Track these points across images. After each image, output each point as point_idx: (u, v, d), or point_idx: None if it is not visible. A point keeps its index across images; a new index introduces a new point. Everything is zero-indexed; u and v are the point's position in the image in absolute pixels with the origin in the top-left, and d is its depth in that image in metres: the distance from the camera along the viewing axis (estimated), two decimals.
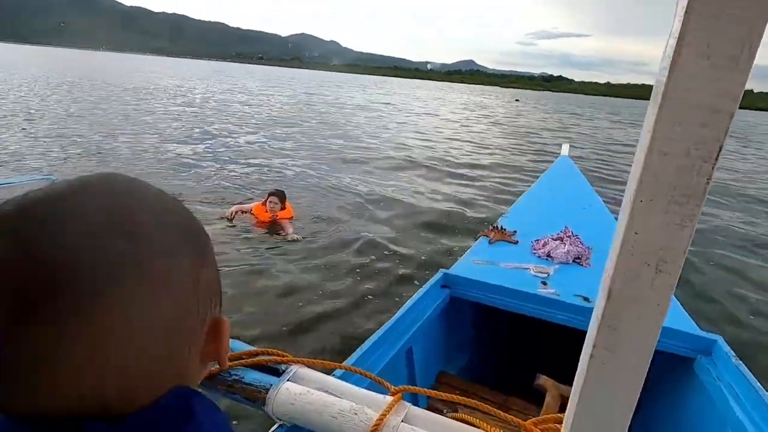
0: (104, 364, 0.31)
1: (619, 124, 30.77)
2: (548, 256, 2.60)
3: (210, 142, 10.09)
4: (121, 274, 0.31)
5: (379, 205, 6.29)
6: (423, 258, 4.60)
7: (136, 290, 0.32)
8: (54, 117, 11.42)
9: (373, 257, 4.49)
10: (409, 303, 1.88)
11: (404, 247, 4.83)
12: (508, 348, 2.52)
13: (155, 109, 15.12)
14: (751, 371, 1.53)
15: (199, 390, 0.39)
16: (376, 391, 0.96)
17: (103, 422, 0.32)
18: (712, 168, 0.42)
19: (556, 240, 2.70)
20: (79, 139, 8.94)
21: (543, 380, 1.63)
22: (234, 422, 2.05)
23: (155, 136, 10.20)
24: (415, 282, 3.97)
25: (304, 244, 4.61)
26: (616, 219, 0.55)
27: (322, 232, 5.00)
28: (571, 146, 6.20)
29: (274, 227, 4.93)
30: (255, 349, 1.02)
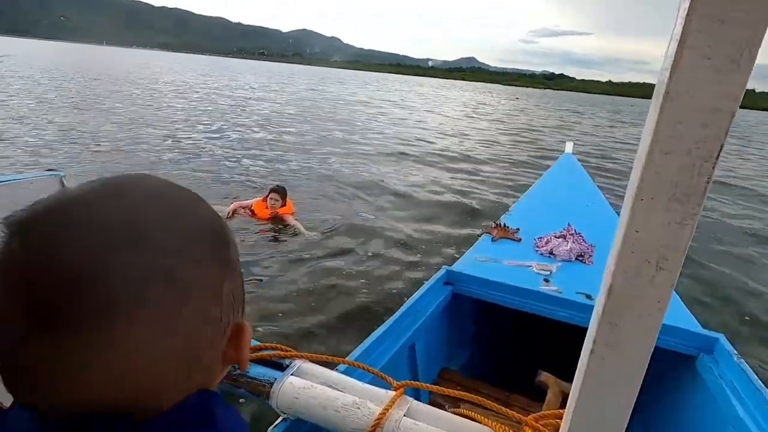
0: (125, 369, 0.31)
1: (620, 123, 30.65)
2: (551, 253, 2.60)
3: (210, 138, 10.09)
4: (146, 283, 0.31)
5: (381, 203, 6.30)
6: (426, 255, 4.61)
7: (162, 300, 0.32)
8: (60, 111, 11.45)
9: (375, 254, 4.50)
10: (411, 299, 1.89)
11: (407, 244, 4.84)
12: (510, 345, 2.53)
13: (159, 104, 15.14)
14: (753, 369, 1.54)
15: (218, 392, 0.40)
16: (379, 387, 0.97)
17: (124, 424, 0.32)
18: (713, 167, 0.43)
19: (558, 238, 2.70)
20: (83, 133, 8.97)
21: (544, 377, 1.64)
22: None
23: (156, 131, 10.22)
24: (418, 279, 3.97)
25: (305, 240, 4.62)
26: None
27: (323, 228, 5.01)
28: (574, 144, 6.19)
29: (275, 223, 4.93)
30: (259, 344, 1.04)
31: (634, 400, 0.55)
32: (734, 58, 0.39)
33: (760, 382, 1.48)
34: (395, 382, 0.98)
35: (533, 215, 3.25)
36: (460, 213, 6.23)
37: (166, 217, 0.34)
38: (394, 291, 3.79)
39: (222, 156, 8.28)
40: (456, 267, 2.27)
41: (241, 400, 1.29)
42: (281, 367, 0.99)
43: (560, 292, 2.09)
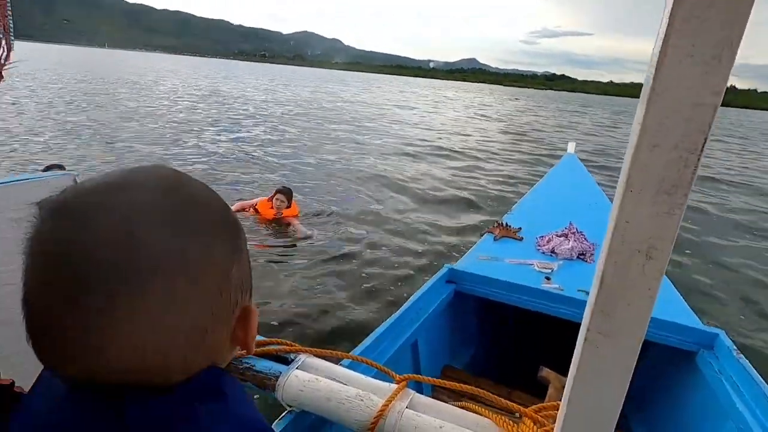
0: (146, 338, 0.34)
1: (623, 123, 30.58)
2: (552, 252, 2.62)
3: (214, 138, 10.15)
4: (166, 261, 0.34)
5: (384, 202, 6.32)
6: (428, 253, 4.63)
7: (178, 277, 0.35)
8: (72, 113, 11.52)
9: (379, 252, 4.52)
10: (414, 297, 1.91)
11: (410, 243, 4.86)
12: (512, 342, 2.54)
13: (163, 106, 15.22)
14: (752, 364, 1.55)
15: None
16: (382, 380, 0.99)
17: (151, 392, 0.35)
18: (698, 159, 0.45)
19: (560, 236, 2.71)
20: (93, 135, 9.03)
21: (546, 372, 1.66)
22: None
23: (161, 131, 10.28)
24: (421, 277, 4.00)
25: (309, 241, 4.64)
26: None
27: (327, 228, 5.03)
28: (576, 144, 6.19)
29: (279, 224, 4.94)
30: (265, 339, 1.06)
31: (628, 385, 0.56)
32: (715, 55, 0.41)
33: (760, 377, 1.49)
34: (398, 375, 1.00)
35: (535, 214, 3.27)
36: (462, 213, 6.25)
37: (180, 203, 0.38)
38: (397, 290, 3.81)
39: (224, 156, 8.33)
40: (458, 265, 2.29)
41: None
42: (286, 362, 1.01)
43: (562, 290, 2.11)
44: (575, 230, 2.74)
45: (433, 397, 0.97)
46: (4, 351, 0.94)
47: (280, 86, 38.56)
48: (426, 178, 8.23)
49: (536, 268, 2.42)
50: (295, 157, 8.94)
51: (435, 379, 1.05)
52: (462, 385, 1.02)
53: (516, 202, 3.95)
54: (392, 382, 0.99)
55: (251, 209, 5.11)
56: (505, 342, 2.56)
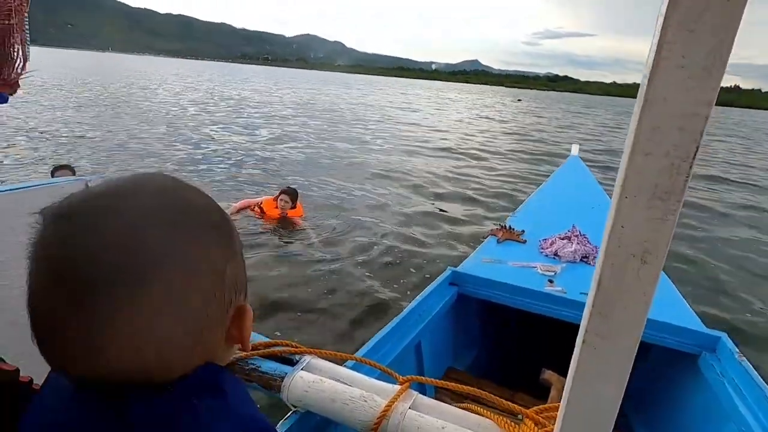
0: (145, 338, 0.36)
1: (626, 124, 30.44)
2: (555, 255, 2.62)
3: (216, 138, 10.21)
4: (165, 262, 0.36)
5: (388, 204, 6.34)
6: (432, 256, 4.64)
7: (175, 277, 0.37)
8: (82, 118, 11.61)
9: (382, 255, 4.54)
10: (417, 299, 1.92)
11: (413, 246, 4.87)
12: (515, 345, 2.55)
13: (168, 109, 15.31)
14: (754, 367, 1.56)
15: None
16: (386, 382, 1.01)
17: (153, 390, 0.37)
18: (690, 167, 0.46)
19: (563, 239, 2.72)
20: (99, 141, 9.11)
21: (548, 374, 1.67)
22: None
23: (165, 135, 10.34)
24: (424, 279, 4.01)
25: (313, 242, 4.66)
26: None
27: (330, 229, 5.05)
28: (580, 146, 6.19)
29: (283, 225, 4.94)
30: (270, 340, 1.08)
31: (625, 386, 0.58)
32: (706, 66, 0.42)
33: (762, 380, 1.49)
34: (401, 377, 1.02)
35: (538, 217, 3.27)
36: (466, 215, 6.26)
37: (179, 208, 0.40)
38: (400, 292, 3.82)
39: (227, 157, 8.37)
40: (461, 268, 2.31)
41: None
42: (291, 363, 1.03)
43: (564, 293, 2.12)
44: (578, 233, 2.75)
45: (435, 399, 0.98)
46: (13, 351, 0.96)
47: (285, 89, 38.70)
48: (431, 179, 8.24)
49: (539, 270, 2.42)
50: (301, 159, 8.98)
51: (438, 380, 1.06)
52: (465, 386, 1.03)
53: (520, 204, 3.95)
54: (395, 384, 1.00)
55: (256, 208, 5.09)
56: (508, 344, 2.57)
